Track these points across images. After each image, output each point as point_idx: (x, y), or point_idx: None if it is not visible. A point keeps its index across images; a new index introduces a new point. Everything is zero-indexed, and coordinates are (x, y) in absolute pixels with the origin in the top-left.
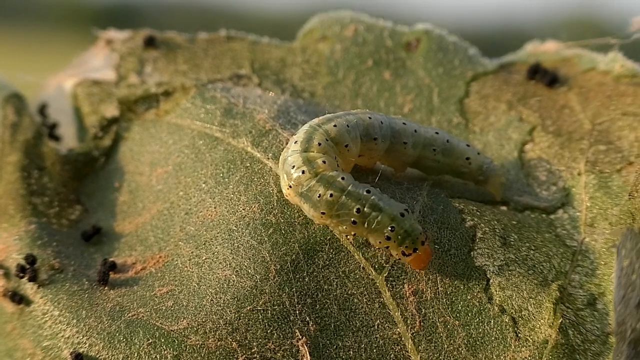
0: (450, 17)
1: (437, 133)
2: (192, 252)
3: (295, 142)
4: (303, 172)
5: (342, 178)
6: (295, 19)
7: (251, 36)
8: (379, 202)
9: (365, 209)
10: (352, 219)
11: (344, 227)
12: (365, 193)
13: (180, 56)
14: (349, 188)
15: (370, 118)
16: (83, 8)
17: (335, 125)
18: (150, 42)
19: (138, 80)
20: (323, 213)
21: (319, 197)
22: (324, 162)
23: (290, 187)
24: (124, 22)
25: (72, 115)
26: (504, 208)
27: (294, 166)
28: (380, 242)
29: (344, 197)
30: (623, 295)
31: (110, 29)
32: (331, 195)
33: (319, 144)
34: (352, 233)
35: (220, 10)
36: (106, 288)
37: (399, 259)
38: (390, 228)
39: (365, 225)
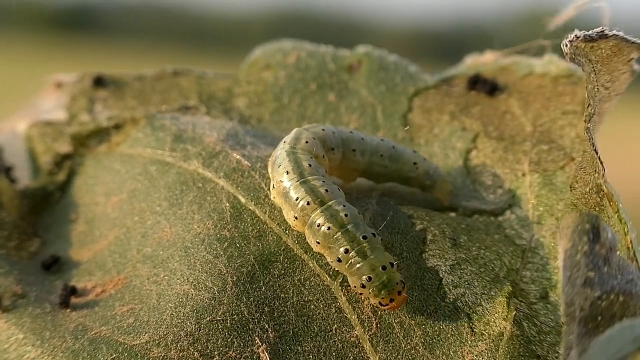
0: (410, 15)
1: (382, 140)
2: (150, 272)
3: (287, 172)
4: (308, 202)
5: (346, 215)
6: (255, 19)
7: (197, 71)
8: (367, 251)
9: (352, 252)
10: (338, 257)
11: (331, 260)
12: (361, 238)
13: (128, 93)
14: (348, 227)
15: (323, 130)
16: (41, 10)
17: (307, 142)
18: (98, 82)
19: (89, 118)
20: (318, 242)
21: (318, 226)
22: (326, 190)
23: (296, 218)
24: (83, 24)
25: (26, 157)
26: (452, 214)
27: (297, 197)
28: (355, 287)
29: (339, 233)
30: (569, 277)
31: (68, 31)
32: (329, 228)
33: (310, 165)
34: (336, 269)
35: (179, 11)
36: (68, 310)
37: (376, 306)
38: (367, 277)
39: (347, 266)
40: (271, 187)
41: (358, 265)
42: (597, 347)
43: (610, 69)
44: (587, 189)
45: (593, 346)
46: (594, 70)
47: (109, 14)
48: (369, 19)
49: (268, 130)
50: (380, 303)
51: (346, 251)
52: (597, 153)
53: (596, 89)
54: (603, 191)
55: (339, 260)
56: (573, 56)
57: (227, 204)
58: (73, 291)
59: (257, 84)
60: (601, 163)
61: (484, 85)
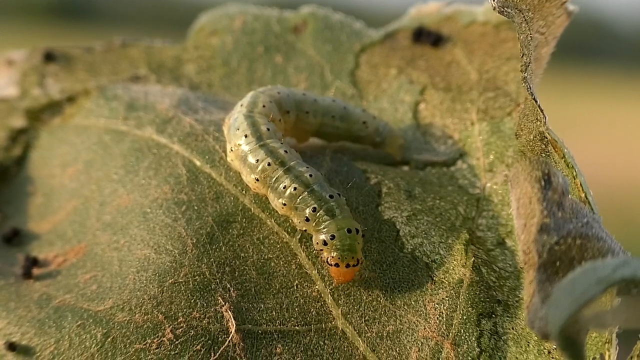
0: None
1: (333, 101)
2: (110, 239)
3: (245, 135)
4: (269, 164)
5: (310, 175)
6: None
7: (145, 41)
8: (335, 210)
9: (320, 210)
10: (306, 216)
11: (299, 221)
12: (327, 197)
13: (79, 66)
14: (314, 186)
15: (279, 93)
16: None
17: (264, 105)
18: (49, 57)
19: (41, 92)
20: (284, 204)
21: (284, 188)
22: (285, 152)
23: (257, 180)
24: (77, 13)
25: None
26: (405, 168)
27: (257, 159)
28: (317, 244)
29: (306, 193)
30: (524, 224)
31: (61, 19)
32: (295, 188)
33: (268, 129)
34: (304, 229)
35: None
36: (31, 281)
37: (323, 262)
38: (331, 236)
39: (314, 224)
40: (228, 150)
41: (326, 224)
42: (561, 292)
43: (544, 14)
44: (532, 137)
45: (556, 291)
46: (525, 20)
47: (102, 2)
48: (366, 5)
49: (218, 95)
50: (327, 261)
51: (314, 209)
52: (536, 101)
53: (529, 38)
54: (547, 138)
55: (307, 220)
56: (502, 9)
57: (183, 168)
58: (35, 262)
59: (205, 50)
60: (541, 111)
61: (429, 37)
